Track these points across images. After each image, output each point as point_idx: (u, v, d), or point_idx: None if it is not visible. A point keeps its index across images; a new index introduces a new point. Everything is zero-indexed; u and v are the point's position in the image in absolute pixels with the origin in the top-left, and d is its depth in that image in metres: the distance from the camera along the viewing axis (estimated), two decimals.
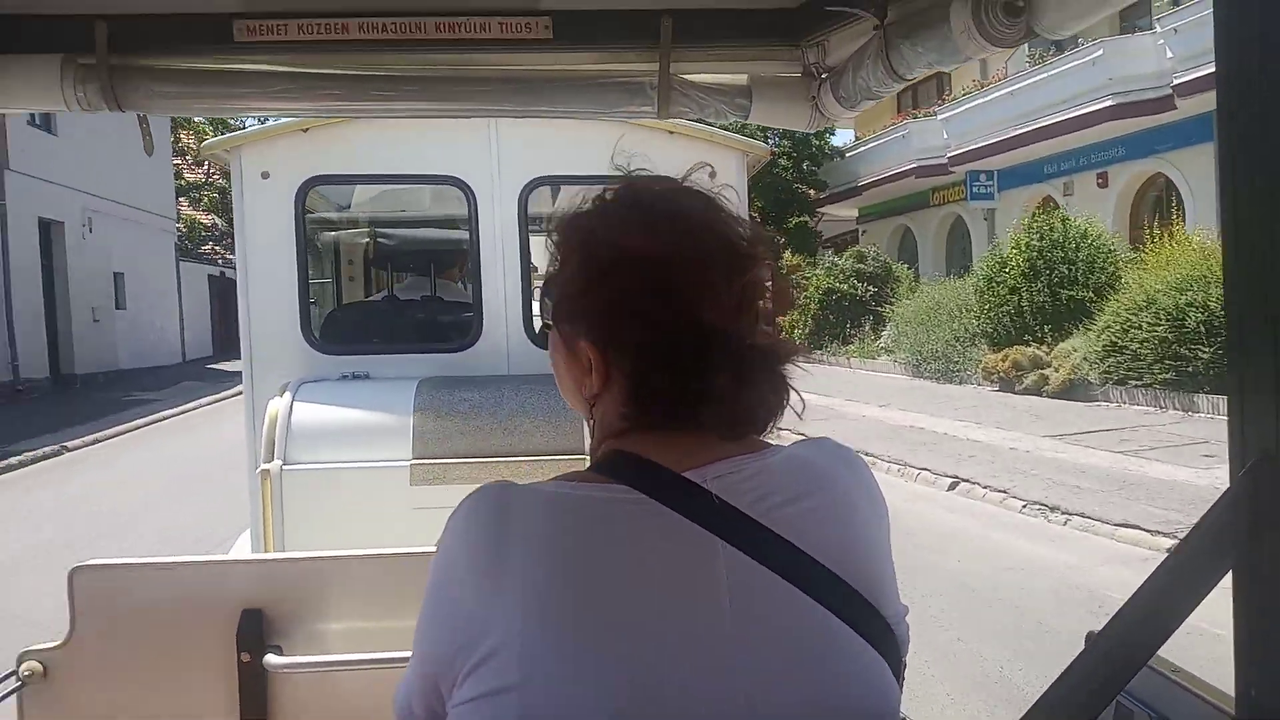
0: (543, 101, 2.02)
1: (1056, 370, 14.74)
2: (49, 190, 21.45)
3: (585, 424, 3.42)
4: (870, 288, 23.71)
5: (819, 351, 22.69)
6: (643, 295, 0.94)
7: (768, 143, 21.84)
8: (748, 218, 1.08)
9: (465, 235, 3.96)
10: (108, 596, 1.82)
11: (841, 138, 33.09)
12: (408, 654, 1.66)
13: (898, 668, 0.97)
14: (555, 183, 3.91)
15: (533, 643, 0.88)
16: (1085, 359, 14.36)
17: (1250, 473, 0.89)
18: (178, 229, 33.73)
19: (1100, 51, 17.67)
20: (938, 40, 1.59)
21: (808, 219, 32.30)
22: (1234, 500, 0.89)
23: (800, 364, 1.02)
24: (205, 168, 37.42)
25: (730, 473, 0.95)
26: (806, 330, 23.57)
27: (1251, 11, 0.91)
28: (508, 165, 3.80)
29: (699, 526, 0.92)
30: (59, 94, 1.93)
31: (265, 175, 3.75)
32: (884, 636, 0.95)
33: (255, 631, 1.81)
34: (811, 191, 31.77)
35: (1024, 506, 8.44)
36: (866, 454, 10.06)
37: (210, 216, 39.21)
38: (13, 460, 12.68)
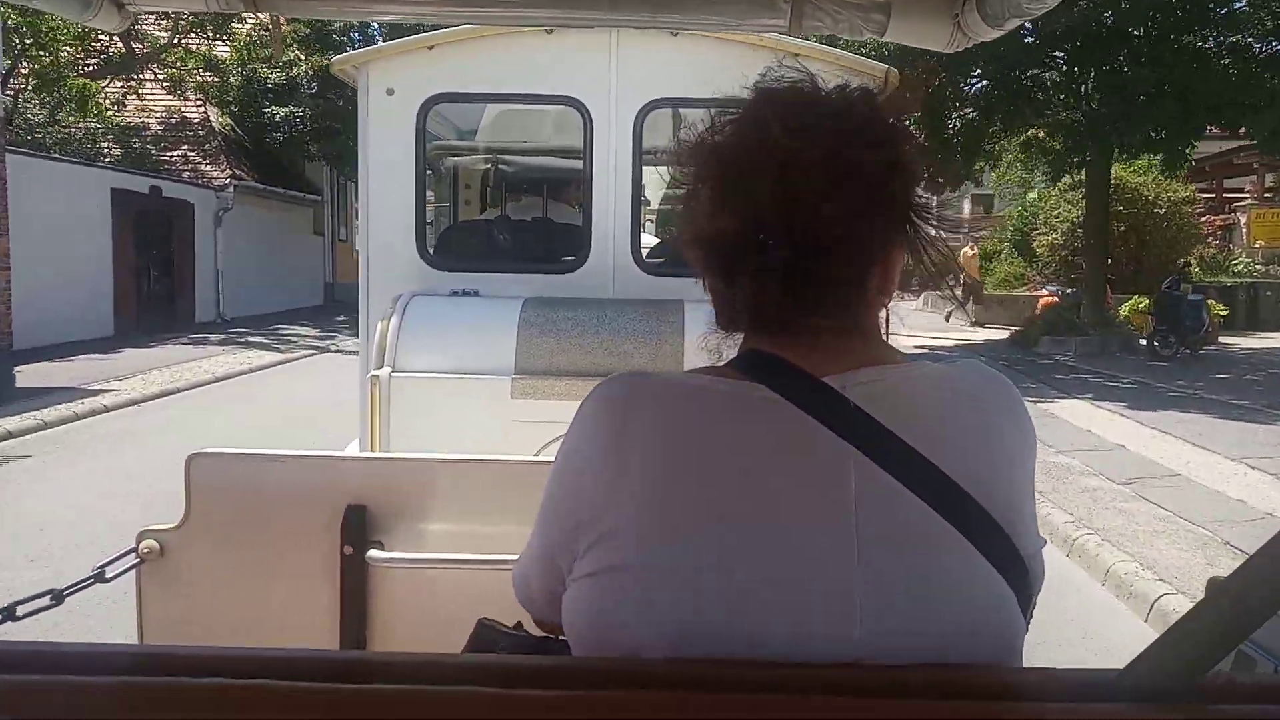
0: (671, 10, 1.99)
1: None
2: None
3: (684, 347, 3.41)
4: None
5: None
6: (769, 192, 0.92)
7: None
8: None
9: (580, 162, 3.97)
10: (221, 483, 1.92)
11: None
12: (503, 556, 1.73)
13: (1026, 603, 0.95)
14: (673, 105, 3.87)
15: (652, 526, 0.90)
16: None
17: None
18: (18, 105, 18.07)
19: None
20: None
21: None
22: None
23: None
24: (173, 22, 20.19)
25: (871, 381, 0.94)
26: None
27: None
28: (625, 86, 3.78)
29: (833, 433, 0.90)
30: None
31: (390, 92, 3.82)
32: (1016, 568, 0.93)
33: (359, 526, 1.88)
34: None
35: None
36: None
37: (200, 105, 22.58)
38: None
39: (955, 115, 16.63)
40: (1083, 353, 15.86)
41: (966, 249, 21.30)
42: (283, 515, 1.92)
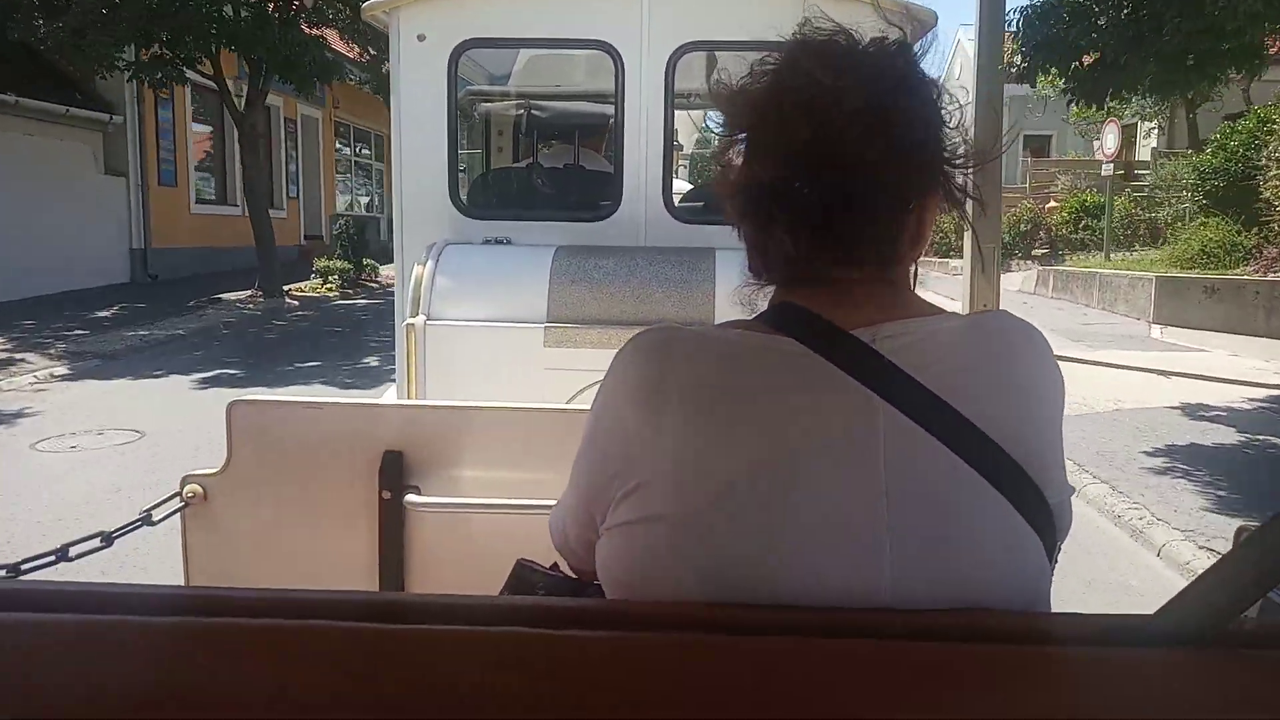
0: None
1: None
2: None
3: (715, 295, 3.42)
4: None
5: None
6: (806, 139, 0.94)
7: None
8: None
9: (612, 108, 3.94)
10: (262, 429, 1.95)
11: None
12: (537, 501, 1.75)
13: (1051, 548, 0.96)
14: (705, 48, 3.81)
15: (685, 476, 0.91)
16: None
17: None
18: None
19: None
20: None
21: None
22: None
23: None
24: None
25: (899, 334, 0.95)
26: None
27: None
28: (656, 29, 3.72)
29: (860, 384, 0.91)
30: None
31: (421, 38, 3.79)
32: (1042, 516, 0.94)
33: (396, 472, 1.92)
34: None
35: None
36: None
37: None
38: None
39: None
40: None
41: None
42: (321, 461, 1.96)
